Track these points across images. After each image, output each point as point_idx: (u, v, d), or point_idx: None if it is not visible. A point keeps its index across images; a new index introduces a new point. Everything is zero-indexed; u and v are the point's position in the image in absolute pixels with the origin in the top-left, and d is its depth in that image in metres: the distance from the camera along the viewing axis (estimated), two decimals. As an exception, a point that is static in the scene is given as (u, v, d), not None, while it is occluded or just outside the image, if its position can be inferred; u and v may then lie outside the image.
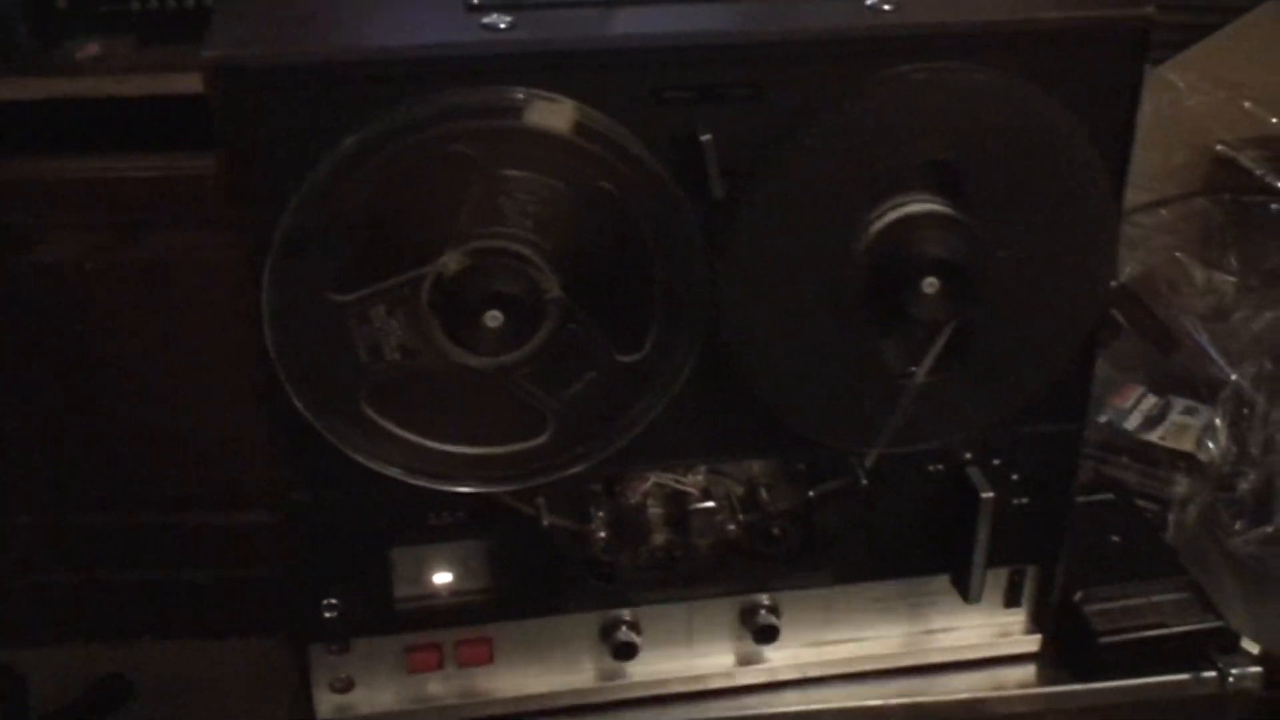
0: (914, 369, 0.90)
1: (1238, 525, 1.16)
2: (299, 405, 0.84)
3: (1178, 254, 1.35)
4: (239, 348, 0.83)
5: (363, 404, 0.85)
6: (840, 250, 0.87)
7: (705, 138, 0.82)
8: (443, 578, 0.95)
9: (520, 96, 0.80)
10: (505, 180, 0.80)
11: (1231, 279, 1.30)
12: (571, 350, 0.85)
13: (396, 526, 0.92)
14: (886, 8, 0.85)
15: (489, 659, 0.99)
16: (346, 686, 0.99)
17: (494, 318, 0.81)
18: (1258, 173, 1.40)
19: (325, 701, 0.99)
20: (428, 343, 0.84)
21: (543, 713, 1.01)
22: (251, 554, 1.62)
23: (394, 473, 0.87)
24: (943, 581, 1.02)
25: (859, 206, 0.86)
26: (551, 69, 0.80)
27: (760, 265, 0.87)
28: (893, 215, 0.86)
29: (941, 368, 0.91)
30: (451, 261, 0.81)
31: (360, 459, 0.87)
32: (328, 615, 0.93)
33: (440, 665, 0.98)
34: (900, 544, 1.00)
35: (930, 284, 0.85)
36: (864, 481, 0.94)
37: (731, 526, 0.96)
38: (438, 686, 1.00)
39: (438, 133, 0.79)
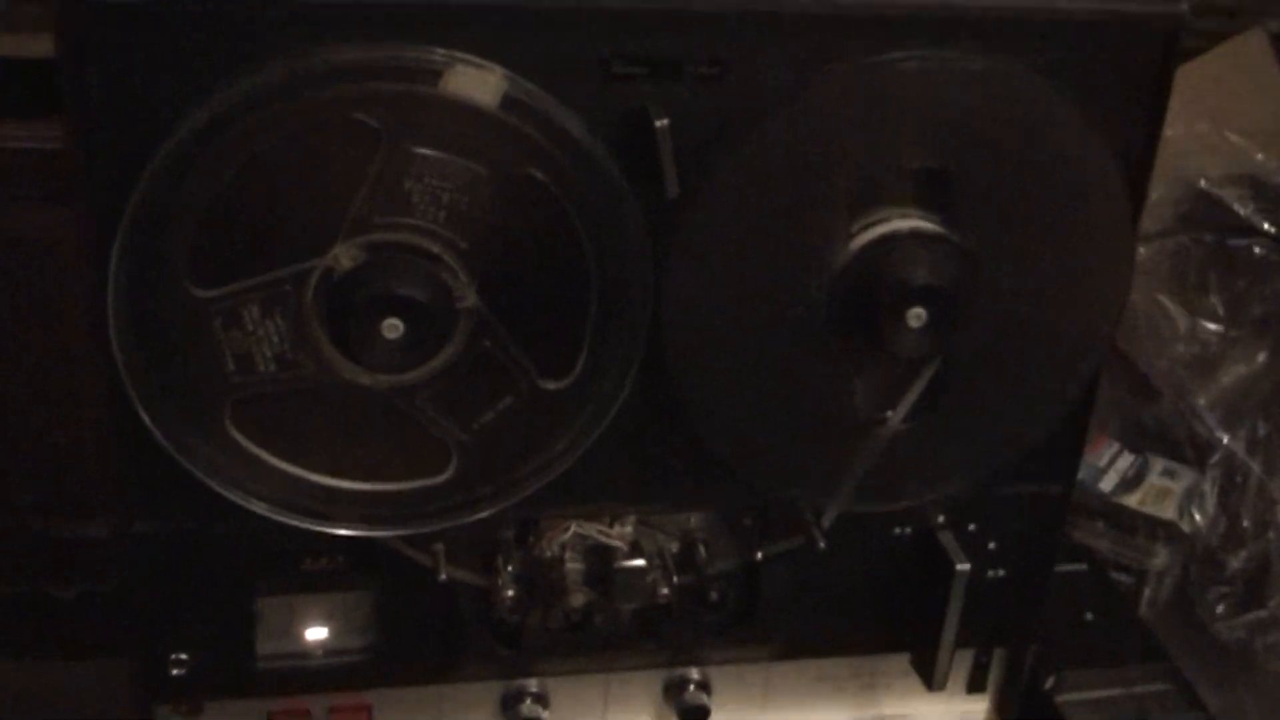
0: (888, 413, 0.78)
1: (1222, 608, 1.05)
2: (148, 421, 0.70)
3: (1157, 295, 1.24)
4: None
5: (227, 423, 0.71)
6: (810, 268, 0.74)
7: (660, 123, 0.68)
8: (316, 634, 0.82)
9: (439, 58, 0.66)
10: (415, 160, 0.67)
11: (1215, 327, 1.20)
12: (485, 371, 0.72)
13: (263, 571, 0.79)
14: (878, -16, 0.72)
15: (368, 730, 0.86)
16: (198, 754, 0.85)
17: (393, 327, 0.68)
18: (1243, 213, 1.30)
19: (172, 769, 0.85)
20: (310, 353, 0.70)
21: (428, 793, 0.88)
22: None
23: (261, 508, 0.73)
24: (899, 661, 0.91)
25: (835, 218, 0.73)
26: (480, 27, 0.67)
27: (714, 281, 0.74)
28: (874, 231, 0.74)
29: (919, 413, 0.78)
30: (344, 255, 0.68)
31: (220, 489, 0.72)
32: (175, 672, 0.80)
33: (309, 734, 0.85)
34: (856, 616, 0.88)
35: (917, 315, 0.73)
36: (821, 544, 0.81)
37: (663, 589, 0.83)
38: (306, 758, 0.86)
39: (334, 94, 0.65)
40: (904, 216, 0.74)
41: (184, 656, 0.79)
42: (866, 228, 0.74)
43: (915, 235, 0.74)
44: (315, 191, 0.67)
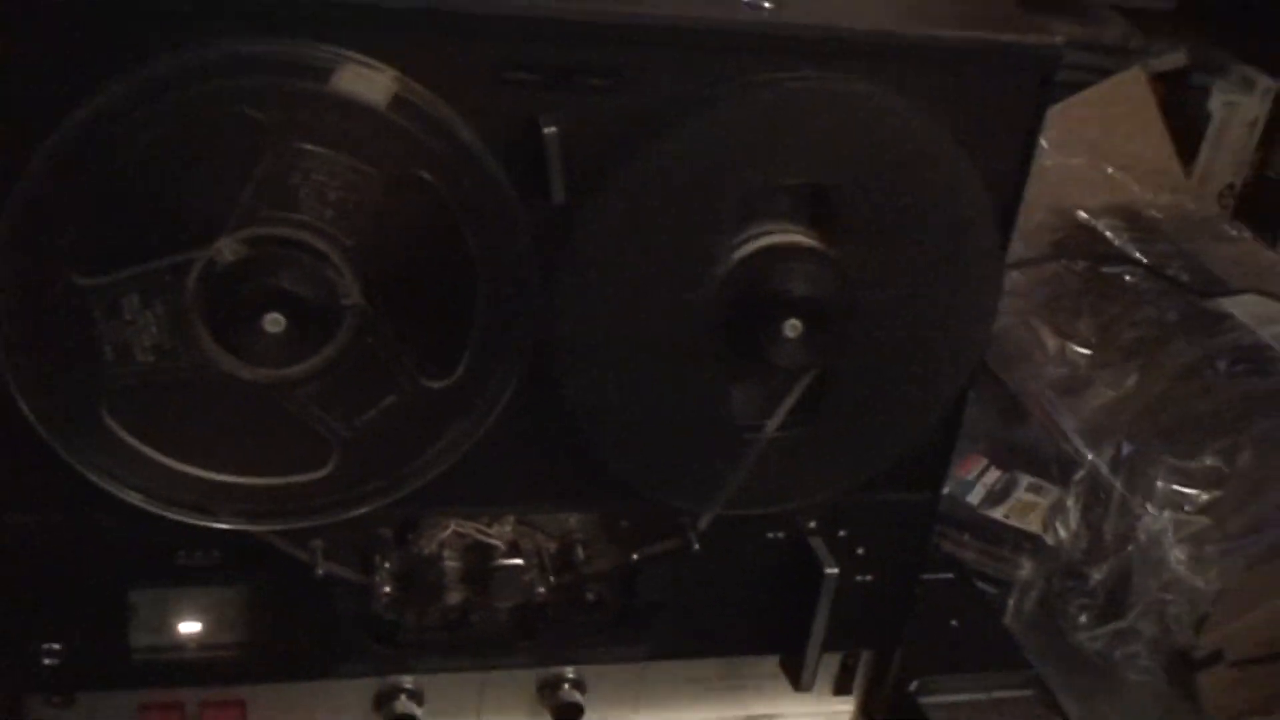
0: (764, 422, 0.79)
1: (1084, 618, 1.08)
2: (25, 410, 0.69)
3: (1031, 320, 1.27)
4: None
5: (105, 414, 0.70)
6: (693, 278, 0.75)
7: (549, 130, 0.69)
8: (190, 627, 0.81)
9: (329, 56, 0.66)
10: (302, 156, 0.66)
11: (1086, 351, 1.23)
12: (367, 369, 0.72)
13: (138, 564, 0.77)
14: (767, 5, 0.73)
15: (240, 724, 0.85)
16: (67, 745, 0.83)
17: (275, 321, 0.67)
18: (1117, 242, 1.34)
19: (41, 760, 0.83)
20: (190, 345, 0.69)
21: (300, 790, 0.87)
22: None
23: (137, 499, 0.72)
24: (768, 663, 0.92)
25: (718, 229, 0.74)
26: (371, 26, 0.67)
27: (599, 288, 0.74)
28: (756, 244, 0.75)
29: (794, 422, 0.80)
30: (227, 249, 0.67)
31: (97, 480, 0.72)
32: (47, 662, 0.79)
33: (181, 728, 0.84)
34: (728, 618, 0.89)
35: (792, 326, 0.74)
36: (695, 546, 0.82)
37: (540, 588, 0.83)
38: (177, 753, 0.85)
39: (222, 88, 0.65)
40: (784, 232, 0.75)
41: (56, 647, 0.78)
42: (749, 240, 0.75)
43: (793, 249, 0.75)
44: (201, 184, 0.66)
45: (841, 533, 0.87)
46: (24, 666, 0.79)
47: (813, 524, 0.86)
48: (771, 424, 0.79)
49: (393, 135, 0.67)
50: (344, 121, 0.66)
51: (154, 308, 0.68)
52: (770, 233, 0.75)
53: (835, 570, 0.85)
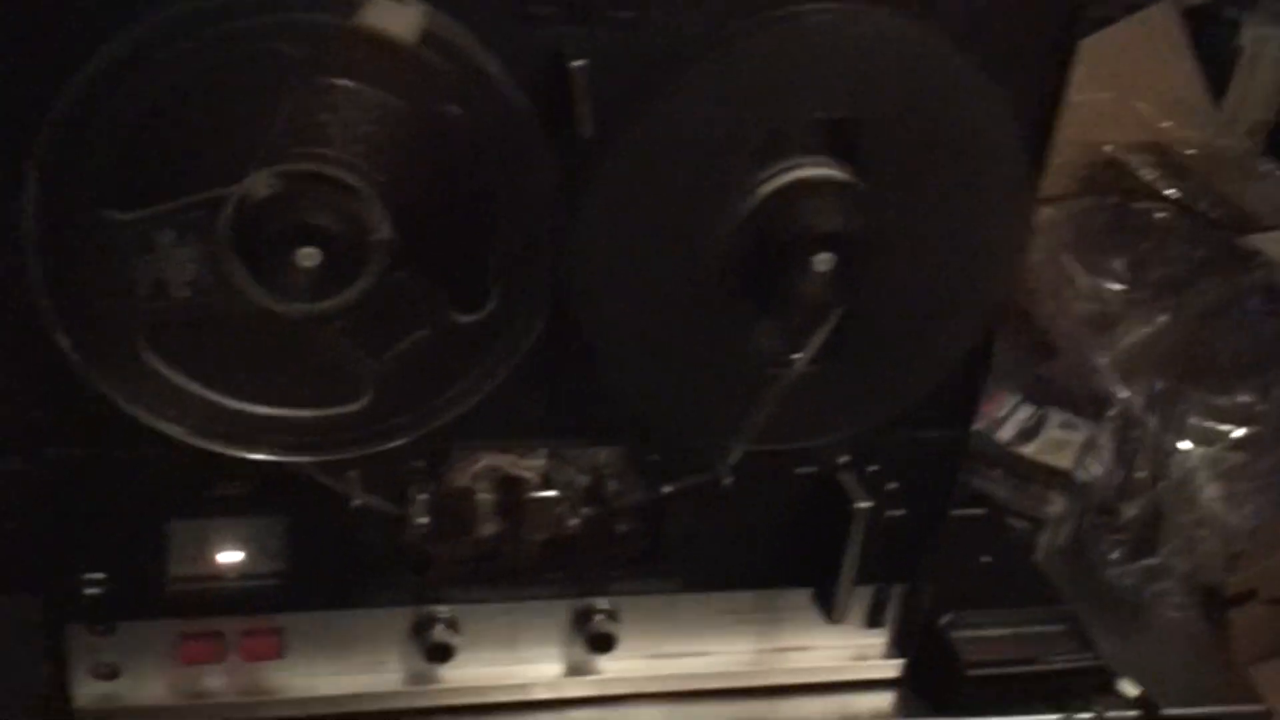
0: (792, 357, 0.79)
1: (1116, 555, 1.07)
2: (65, 346, 0.71)
3: (1061, 256, 1.26)
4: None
5: (141, 347, 0.72)
6: (718, 214, 0.75)
7: (577, 64, 0.69)
8: (229, 557, 0.82)
9: (357, -9, 0.66)
10: (331, 92, 0.67)
11: (1118, 287, 1.22)
12: (399, 303, 0.73)
13: (176, 495, 0.79)
14: (792, -64, 0.73)
15: (278, 653, 0.87)
16: (110, 673, 0.85)
17: (308, 256, 0.68)
18: (1147, 178, 1.33)
19: (85, 688, 0.85)
20: (224, 280, 0.70)
21: (338, 716, 0.89)
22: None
23: (176, 431, 0.74)
24: (801, 595, 0.92)
25: (744, 165, 0.75)
26: (399, -38, 0.67)
27: (623, 222, 0.75)
28: (783, 179, 0.75)
29: (822, 358, 0.80)
30: (258, 184, 0.68)
31: (136, 413, 0.73)
32: (89, 592, 0.80)
33: (221, 657, 0.86)
34: (759, 551, 0.89)
35: (823, 261, 0.74)
36: (726, 480, 0.83)
37: (572, 520, 0.84)
38: (217, 680, 0.87)
39: (250, 25, 0.65)
40: (813, 165, 0.75)
41: (97, 577, 0.80)
42: (778, 174, 0.75)
43: (824, 183, 0.75)
44: (232, 120, 0.67)
45: (872, 468, 0.87)
46: (67, 597, 0.80)
47: (843, 459, 0.87)
48: (800, 360, 0.79)
49: (421, 69, 0.68)
50: (373, 57, 0.67)
51: (188, 243, 0.69)
52: (800, 166, 0.75)
53: (867, 505, 0.85)
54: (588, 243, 0.74)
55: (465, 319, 0.74)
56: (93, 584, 0.80)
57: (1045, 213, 1.29)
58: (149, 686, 0.86)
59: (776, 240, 0.75)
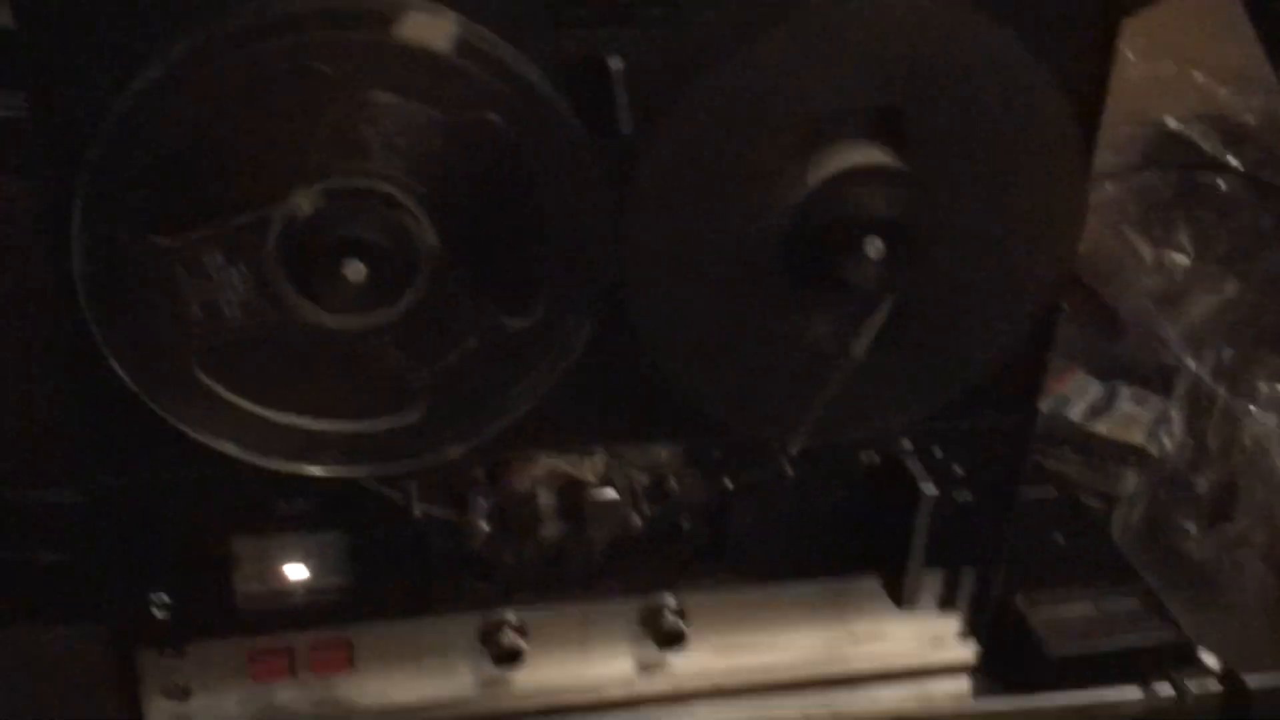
0: (843, 347, 0.78)
1: (1192, 528, 1.06)
2: (122, 373, 0.71)
3: (1125, 231, 1.24)
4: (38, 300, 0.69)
5: (196, 370, 0.72)
6: (766, 206, 0.74)
7: (615, 65, 0.69)
8: (295, 572, 0.83)
9: (391, 4, 0.66)
10: (370, 106, 0.67)
11: (1184, 260, 1.20)
12: (448, 313, 0.73)
13: (239, 513, 0.79)
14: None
15: (348, 665, 0.87)
16: (183, 694, 0.86)
17: (355, 270, 0.68)
18: (1209, 149, 1.31)
19: (158, 710, 0.86)
20: (274, 299, 0.71)
21: (413, 726, 0.89)
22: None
23: (233, 450, 0.74)
24: (870, 584, 0.91)
25: (789, 154, 0.74)
26: (428, -28, 0.67)
27: (671, 218, 0.74)
28: (831, 167, 0.74)
29: (879, 345, 0.79)
30: (304, 202, 0.68)
31: (195, 434, 0.74)
32: (157, 615, 0.81)
33: (292, 672, 0.86)
34: (825, 541, 0.88)
35: (874, 246, 0.73)
36: (789, 473, 0.82)
37: (635, 519, 0.84)
38: (289, 695, 0.87)
39: (286, 44, 0.65)
40: (861, 152, 0.74)
41: (164, 599, 0.80)
42: (825, 162, 0.74)
43: (871, 169, 0.74)
44: (273, 140, 0.67)
45: (937, 453, 0.86)
46: (135, 621, 0.81)
47: (907, 444, 0.86)
48: (857, 348, 0.78)
49: (458, 79, 0.68)
50: (409, 68, 0.67)
51: (238, 265, 0.70)
52: (846, 153, 0.74)
53: (933, 490, 0.84)
54: (637, 241, 0.74)
55: (515, 325, 0.74)
56: (160, 606, 0.81)
57: (1107, 188, 1.28)
58: (222, 705, 0.86)
59: (827, 229, 0.74)
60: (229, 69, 0.65)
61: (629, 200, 0.72)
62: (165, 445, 0.74)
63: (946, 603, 0.95)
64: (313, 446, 0.75)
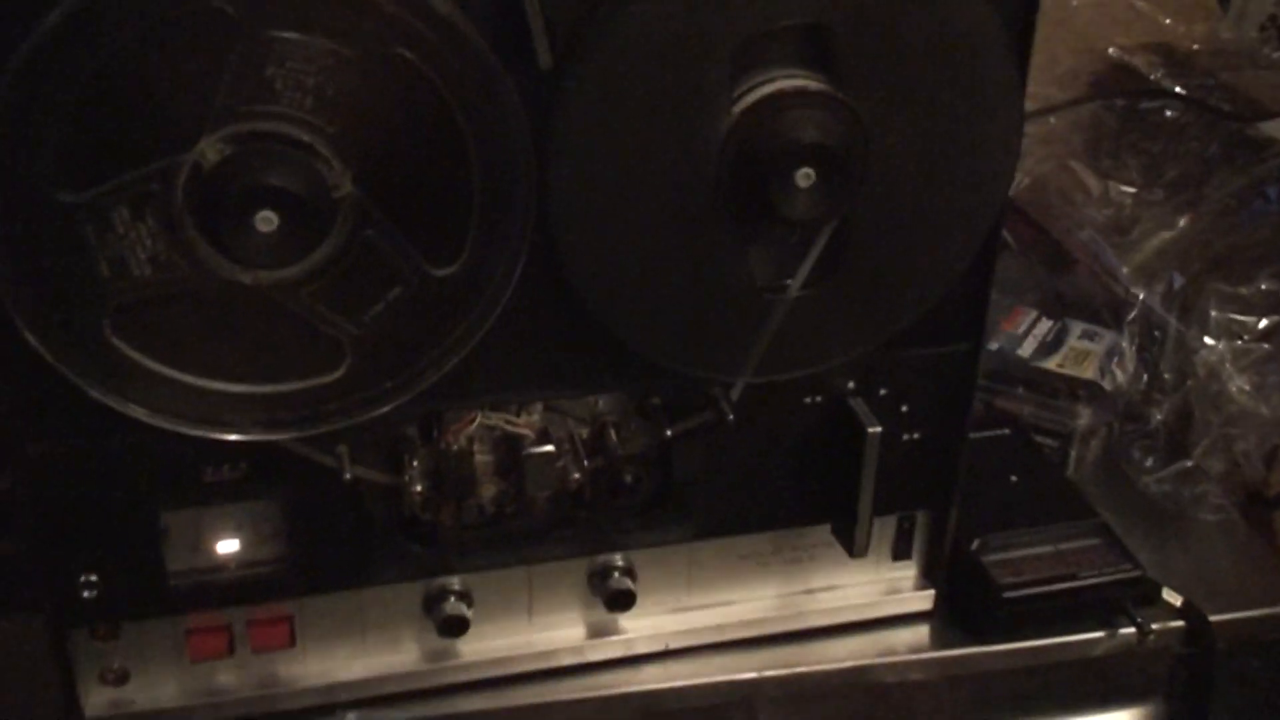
0: (786, 281, 0.76)
1: (1150, 461, 1.04)
2: (29, 336, 0.68)
3: (1071, 164, 1.22)
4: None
5: (107, 331, 0.69)
6: (694, 136, 0.72)
7: (528, -6, 0.66)
8: (227, 546, 0.80)
9: (290, -63, 0.63)
10: (275, 45, 0.64)
11: (1130, 190, 1.18)
12: (370, 262, 0.70)
13: (165, 485, 0.76)
14: None
15: (289, 641, 0.84)
16: (120, 678, 0.83)
17: (266, 220, 0.65)
18: (1154, 76, 1.29)
19: (95, 695, 0.83)
20: (186, 253, 0.67)
21: (359, 702, 0.86)
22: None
23: (150, 417, 0.71)
24: (822, 533, 0.90)
25: (716, 81, 0.71)
26: (331, -99, 0.64)
27: (596, 154, 0.72)
28: (757, 93, 0.72)
29: (817, 280, 0.77)
30: (210, 149, 0.65)
31: (107, 400, 0.70)
32: (86, 595, 0.78)
33: (230, 650, 0.83)
34: (773, 490, 0.86)
35: (805, 175, 0.71)
36: (730, 417, 0.80)
37: (575, 474, 0.82)
38: (230, 676, 0.84)
39: (183, -18, 0.62)
40: (788, 77, 0.72)
41: (93, 578, 0.77)
42: (752, 89, 0.72)
43: (799, 94, 0.72)
44: (175, 86, 0.64)
45: (882, 391, 0.84)
46: (63, 601, 0.78)
47: (851, 384, 0.84)
48: (795, 282, 0.76)
49: (368, 13, 0.65)
50: (314, 5, 0.64)
51: (145, 219, 0.67)
52: (773, 79, 0.72)
53: (878, 429, 0.82)
54: (563, 180, 0.71)
55: (441, 272, 0.71)
56: (89, 585, 0.77)
57: (1052, 122, 1.26)
58: (161, 688, 0.84)
59: (756, 157, 0.72)
60: (129, 12, 0.62)
61: (553, 136, 0.70)
62: (84, 413, 0.71)
63: (900, 551, 0.93)
64: (235, 411, 0.72)
